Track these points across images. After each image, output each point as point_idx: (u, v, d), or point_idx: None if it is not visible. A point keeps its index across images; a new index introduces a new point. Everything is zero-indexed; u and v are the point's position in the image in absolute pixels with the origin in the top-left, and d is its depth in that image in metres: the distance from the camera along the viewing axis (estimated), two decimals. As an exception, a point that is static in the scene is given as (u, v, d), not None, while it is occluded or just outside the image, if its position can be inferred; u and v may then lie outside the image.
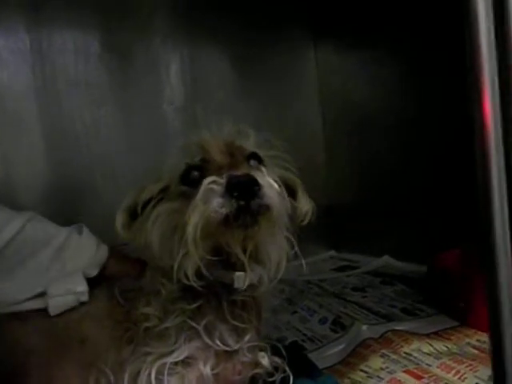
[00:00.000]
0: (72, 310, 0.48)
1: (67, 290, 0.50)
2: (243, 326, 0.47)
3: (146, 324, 0.45)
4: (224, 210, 0.39)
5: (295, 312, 0.82)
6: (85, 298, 0.51)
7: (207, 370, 0.44)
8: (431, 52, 0.96)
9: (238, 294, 0.46)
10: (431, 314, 0.77)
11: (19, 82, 0.95)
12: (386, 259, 1.09)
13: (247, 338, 0.46)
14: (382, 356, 0.61)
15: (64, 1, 0.97)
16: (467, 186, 0.96)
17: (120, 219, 0.48)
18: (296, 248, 0.47)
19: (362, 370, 0.60)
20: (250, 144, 0.48)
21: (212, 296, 0.46)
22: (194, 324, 0.45)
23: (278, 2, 1.19)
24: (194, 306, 0.46)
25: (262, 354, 0.48)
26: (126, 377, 0.43)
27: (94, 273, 0.55)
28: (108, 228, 1.00)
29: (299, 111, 1.24)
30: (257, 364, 0.48)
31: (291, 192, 0.50)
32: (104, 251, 0.57)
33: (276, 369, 0.48)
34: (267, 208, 0.40)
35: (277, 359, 0.49)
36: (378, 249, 1.12)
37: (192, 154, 0.46)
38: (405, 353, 0.62)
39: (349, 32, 1.17)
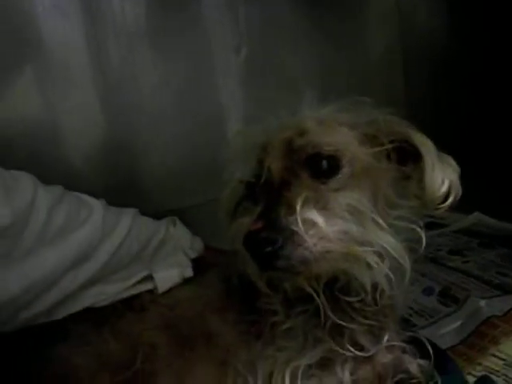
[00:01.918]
0: (190, 301, 0.42)
1: (171, 264, 0.51)
2: (377, 324, 0.40)
3: (273, 319, 0.39)
4: (251, 266, 0.34)
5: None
6: (189, 272, 0.51)
7: (346, 375, 0.38)
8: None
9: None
10: (554, 284, 0.68)
11: (67, 30, 0.88)
12: (478, 216, 0.99)
13: (385, 338, 0.40)
14: (518, 340, 0.54)
15: None
16: None
17: (223, 206, 0.44)
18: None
19: (495, 356, 0.53)
20: (316, 134, 0.37)
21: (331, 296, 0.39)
22: (315, 326, 0.39)
23: None
24: (314, 304, 0.39)
25: (407, 356, 0.41)
26: (260, 378, 0.37)
27: (193, 255, 0.54)
28: (162, 187, 0.96)
29: (378, 45, 1.11)
30: (400, 367, 0.41)
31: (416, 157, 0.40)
32: (199, 242, 0.57)
33: (423, 373, 0.42)
34: (307, 262, 0.33)
35: (422, 362, 0.42)
36: (467, 204, 1.02)
37: (248, 165, 0.39)
38: (543, 336, 0.54)
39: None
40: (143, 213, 0.77)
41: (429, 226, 0.99)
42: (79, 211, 0.47)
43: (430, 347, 0.43)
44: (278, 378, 0.37)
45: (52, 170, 0.81)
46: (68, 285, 0.44)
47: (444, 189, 0.38)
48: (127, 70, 0.92)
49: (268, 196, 0.35)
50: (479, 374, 0.50)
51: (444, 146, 1.13)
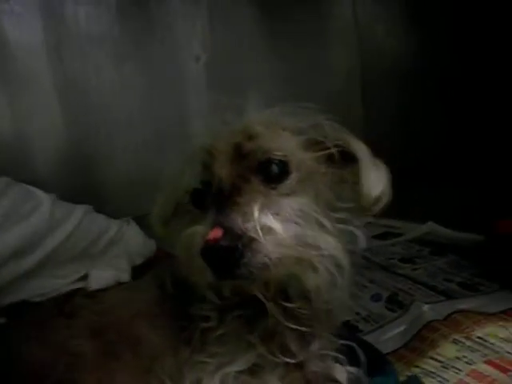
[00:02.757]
0: (122, 306, 0.41)
1: (110, 265, 0.52)
2: (308, 330, 0.40)
3: (205, 325, 0.39)
4: (206, 276, 0.33)
5: (342, 287, 0.76)
6: (126, 277, 0.51)
7: (275, 382, 0.38)
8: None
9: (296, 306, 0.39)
10: (495, 289, 0.70)
11: (31, 37, 0.88)
12: (431, 225, 1.01)
13: (315, 345, 0.40)
14: (455, 342, 0.55)
15: None
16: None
17: (155, 215, 0.43)
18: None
19: (433, 358, 0.54)
20: (265, 139, 0.38)
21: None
22: (248, 332, 0.39)
23: None
24: (250, 310, 0.39)
25: (337, 366, 0.42)
26: None
27: (138, 261, 0.55)
28: (121, 193, 0.95)
29: (336, 63, 1.14)
30: (330, 377, 0.41)
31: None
32: (151, 245, 0.58)
33: (353, 381, 0.42)
34: (265, 267, 0.33)
35: (352, 369, 0.42)
36: (421, 214, 1.05)
37: (196, 172, 0.39)
38: (479, 338, 0.55)
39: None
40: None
41: (383, 236, 1.01)
42: (25, 203, 0.49)
43: (361, 355, 0.43)
44: None
45: (13, 173, 0.80)
46: (9, 272, 0.45)
47: (378, 191, 0.39)
48: (89, 76, 0.93)
49: (219, 203, 0.35)
50: (416, 376, 0.51)
51: (399, 162, 1.16)
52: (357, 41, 1.14)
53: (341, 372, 0.41)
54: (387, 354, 0.56)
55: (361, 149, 0.41)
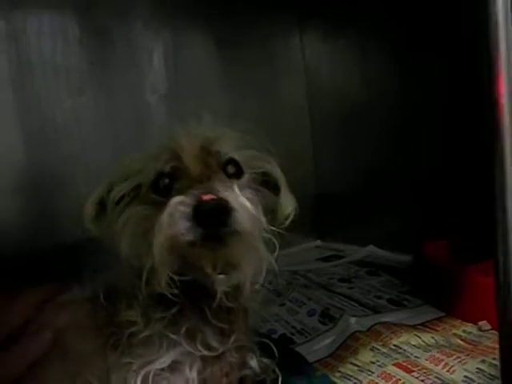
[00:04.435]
0: (55, 320, 0.45)
1: None
2: (228, 327, 0.45)
3: (131, 329, 0.43)
4: (190, 236, 0.38)
5: (283, 304, 0.82)
6: None
7: (193, 375, 0.43)
8: (423, 38, 0.95)
9: (219, 300, 0.44)
10: (417, 304, 0.78)
11: None
12: (371, 249, 1.10)
13: (232, 338, 0.45)
14: (372, 349, 0.62)
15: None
16: (453, 177, 0.97)
17: (88, 212, 0.46)
18: (277, 247, 0.45)
19: (352, 364, 0.60)
20: (229, 146, 0.45)
21: (192, 300, 0.44)
22: (172, 332, 0.43)
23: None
24: (174, 310, 0.44)
25: (250, 354, 0.47)
26: None
27: None
28: (74, 219, 0.98)
29: (285, 97, 1.22)
30: (245, 365, 0.47)
31: (275, 188, 0.49)
32: None
33: (265, 369, 0.48)
34: (237, 233, 0.39)
35: (265, 360, 0.48)
36: (363, 238, 1.13)
37: (164, 159, 0.44)
38: (394, 345, 0.62)
39: (336, 16, 1.15)
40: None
41: (328, 259, 1.09)
42: None
43: (274, 348, 0.49)
44: (131, 383, 0.42)
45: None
46: None
47: (290, 210, 0.47)
48: (50, 103, 0.96)
49: (193, 186, 0.39)
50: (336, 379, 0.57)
51: (347, 193, 1.23)
52: (305, 79, 1.24)
53: (254, 360, 0.47)
54: (314, 362, 0.62)
55: (281, 176, 0.49)
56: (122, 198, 0.45)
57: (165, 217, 0.39)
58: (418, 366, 0.56)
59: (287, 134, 1.20)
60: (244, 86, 1.14)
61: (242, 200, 0.39)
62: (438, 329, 0.68)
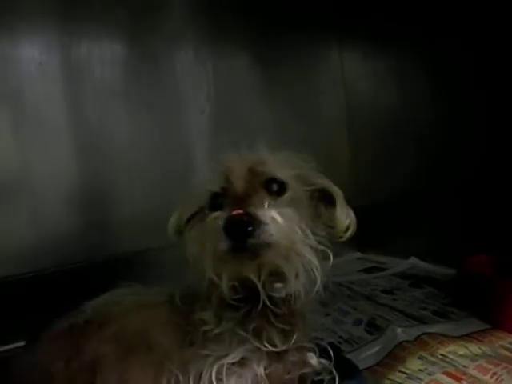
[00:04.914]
0: (139, 319, 0.51)
1: None
2: (288, 328, 0.50)
3: (204, 328, 0.49)
4: (223, 246, 0.43)
5: (328, 314, 0.85)
6: None
7: (261, 370, 0.48)
8: (461, 57, 0.98)
9: (279, 306, 0.49)
10: (462, 316, 0.79)
11: (49, 91, 0.98)
12: (413, 261, 1.11)
13: (293, 339, 0.50)
14: (420, 358, 0.64)
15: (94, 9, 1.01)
16: (497, 192, 0.98)
17: (169, 232, 0.54)
18: (331, 258, 0.50)
19: (400, 372, 0.62)
20: (273, 166, 0.50)
21: (255, 304, 0.49)
22: (242, 330, 0.49)
23: (302, 2, 1.21)
24: (242, 311, 0.50)
25: (311, 354, 0.52)
26: (192, 377, 0.47)
27: None
28: (135, 235, 1.04)
29: (324, 112, 1.27)
30: (305, 364, 0.52)
31: (332, 201, 0.53)
32: None
33: (323, 369, 0.52)
34: (267, 245, 0.44)
35: (323, 360, 0.53)
36: (405, 250, 1.15)
37: (216, 181, 0.50)
38: (441, 355, 0.65)
39: (375, 35, 1.19)
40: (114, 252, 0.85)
41: (369, 270, 1.11)
42: None
43: (331, 351, 0.54)
44: (206, 375, 0.47)
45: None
46: None
47: (348, 222, 0.51)
48: (103, 125, 1.03)
49: (234, 202, 0.46)
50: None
51: (390, 205, 1.25)
52: (344, 94, 1.27)
53: (314, 360, 0.52)
54: (363, 369, 0.65)
55: (337, 192, 0.54)
56: (192, 217, 0.53)
57: (206, 229, 0.46)
58: (466, 374, 0.59)
59: (326, 147, 1.25)
60: (284, 102, 1.19)
61: (272, 214, 0.44)
62: (485, 340, 0.69)
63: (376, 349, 0.70)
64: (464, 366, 0.61)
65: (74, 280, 0.92)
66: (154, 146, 1.08)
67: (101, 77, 1.03)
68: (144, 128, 1.07)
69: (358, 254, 1.27)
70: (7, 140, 0.92)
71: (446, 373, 0.59)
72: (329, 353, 0.54)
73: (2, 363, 0.72)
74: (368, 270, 1.12)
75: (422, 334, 0.71)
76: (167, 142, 1.09)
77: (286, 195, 0.49)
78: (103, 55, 1.02)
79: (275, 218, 0.44)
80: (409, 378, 0.60)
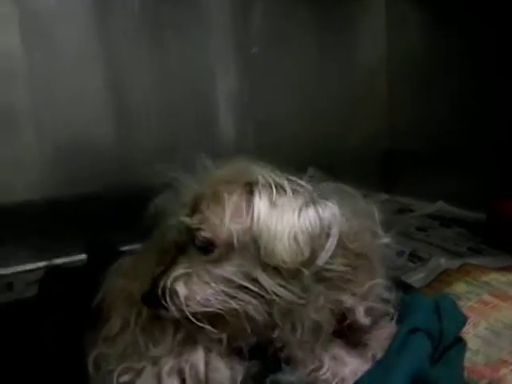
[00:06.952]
0: None
1: None
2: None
3: None
4: None
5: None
6: None
7: None
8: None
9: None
10: (496, 253, 0.86)
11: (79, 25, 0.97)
12: (441, 204, 1.17)
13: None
14: (466, 282, 0.71)
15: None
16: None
17: None
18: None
19: (448, 293, 0.70)
20: (206, 216, 0.46)
21: None
22: None
23: None
24: None
25: None
26: None
27: None
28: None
29: (365, 56, 1.29)
30: None
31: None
32: None
33: None
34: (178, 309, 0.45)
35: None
36: (432, 194, 1.20)
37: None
38: (484, 281, 0.72)
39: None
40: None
41: (401, 211, 1.17)
42: None
43: None
44: None
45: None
46: None
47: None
48: (133, 57, 1.02)
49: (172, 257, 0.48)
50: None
51: (420, 150, 1.29)
52: (386, 40, 1.29)
53: None
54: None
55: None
56: None
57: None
58: (511, 298, 0.66)
59: (365, 91, 1.27)
60: (328, 45, 1.21)
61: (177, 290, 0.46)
62: (522, 272, 0.76)
63: (422, 275, 0.77)
64: (506, 291, 0.68)
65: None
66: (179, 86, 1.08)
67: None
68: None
69: (385, 196, 1.32)
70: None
71: (492, 294, 0.66)
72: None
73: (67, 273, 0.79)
74: (400, 211, 1.18)
75: (464, 264, 0.78)
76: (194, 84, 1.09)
77: (215, 251, 0.46)
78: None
79: (177, 292, 0.45)
80: (457, 299, 0.67)
